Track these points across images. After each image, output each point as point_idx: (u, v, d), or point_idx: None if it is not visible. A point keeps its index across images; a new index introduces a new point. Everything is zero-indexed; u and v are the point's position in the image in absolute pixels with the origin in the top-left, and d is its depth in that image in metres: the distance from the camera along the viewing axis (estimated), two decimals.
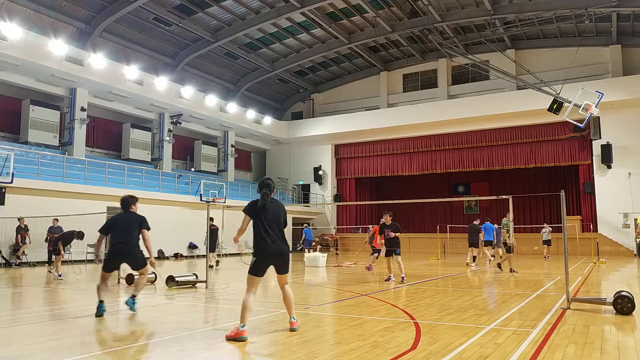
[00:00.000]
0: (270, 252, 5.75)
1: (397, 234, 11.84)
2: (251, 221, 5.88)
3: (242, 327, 5.41)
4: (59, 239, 13.19)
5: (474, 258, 17.33)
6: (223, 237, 23.01)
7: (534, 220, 30.90)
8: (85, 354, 4.83)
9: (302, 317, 6.81)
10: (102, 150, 26.18)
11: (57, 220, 17.57)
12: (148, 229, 7.45)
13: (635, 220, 14.72)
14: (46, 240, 17.06)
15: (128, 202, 7.64)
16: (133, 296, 7.32)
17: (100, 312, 6.97)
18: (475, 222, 17.86)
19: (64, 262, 18.52)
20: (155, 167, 27.00)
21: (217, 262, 17.38)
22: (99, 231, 7.38)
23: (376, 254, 14.60)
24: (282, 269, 5.92)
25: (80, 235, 13.30)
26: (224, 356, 4.88)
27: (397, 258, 11.83)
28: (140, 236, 7.36)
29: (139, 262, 7.39)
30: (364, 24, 28.17)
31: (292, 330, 5.84)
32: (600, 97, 17.56)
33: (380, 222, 12.31)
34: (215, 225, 16.91)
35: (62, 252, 13.23)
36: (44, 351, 4.96)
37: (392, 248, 11.91)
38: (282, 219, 5.92)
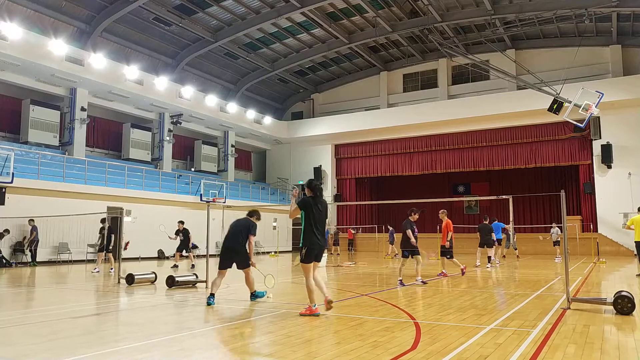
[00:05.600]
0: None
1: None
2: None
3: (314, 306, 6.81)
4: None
5: (489, 258, 17.08)
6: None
7: (534, 220, 30.92)
8: (85, 354, 4.83)
9: (302, 317, 6.82)
10: (102, 150, 26.20)
11: (33, 220, 17.80)
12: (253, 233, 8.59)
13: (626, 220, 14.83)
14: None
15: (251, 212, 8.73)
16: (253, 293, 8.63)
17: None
18: (485, 222, 17.19)
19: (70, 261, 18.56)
20: (155, 167, 27.01)
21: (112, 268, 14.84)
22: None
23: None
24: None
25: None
26: (224, 356, 4.88)
27: (404, 260, 11.68)
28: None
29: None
30: (364, 24, 28.17)
31: (328, 303, 6.79)
32: (600, 97, 17.57)
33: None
34: (105, 225, 15.23)
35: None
36: (44, 351, 4.96)
37: (407, 248, 11.64)
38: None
